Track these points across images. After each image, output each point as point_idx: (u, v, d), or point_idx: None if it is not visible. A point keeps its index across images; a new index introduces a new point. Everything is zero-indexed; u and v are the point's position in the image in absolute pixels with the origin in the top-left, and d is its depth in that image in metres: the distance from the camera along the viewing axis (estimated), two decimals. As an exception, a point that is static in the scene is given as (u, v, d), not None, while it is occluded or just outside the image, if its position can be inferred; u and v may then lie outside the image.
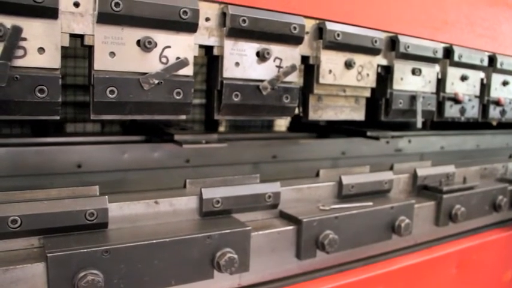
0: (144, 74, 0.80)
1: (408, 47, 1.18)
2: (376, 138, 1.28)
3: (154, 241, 0.78)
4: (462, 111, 1.37)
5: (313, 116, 1.10)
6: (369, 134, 1.23)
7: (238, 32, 0.90)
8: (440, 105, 1.34)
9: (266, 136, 1.20)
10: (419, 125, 1.21)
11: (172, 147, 0.91)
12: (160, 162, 0.88)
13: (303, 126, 1.64)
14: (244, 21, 0.88)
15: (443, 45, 1.29)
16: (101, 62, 0.77)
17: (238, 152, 0.98)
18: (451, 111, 1.36)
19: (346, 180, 1.11)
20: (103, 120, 2.20)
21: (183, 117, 0.87)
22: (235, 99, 0.92)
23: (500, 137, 2.05)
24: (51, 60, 0.73)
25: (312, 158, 1.11)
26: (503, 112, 1.53)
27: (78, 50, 2.03)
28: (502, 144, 2.07)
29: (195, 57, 0.87)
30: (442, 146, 1.83)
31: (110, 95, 0.77)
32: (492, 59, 1.45)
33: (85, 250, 0.71)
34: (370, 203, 1.09)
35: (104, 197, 0.79)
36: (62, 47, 0.74)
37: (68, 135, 1.23)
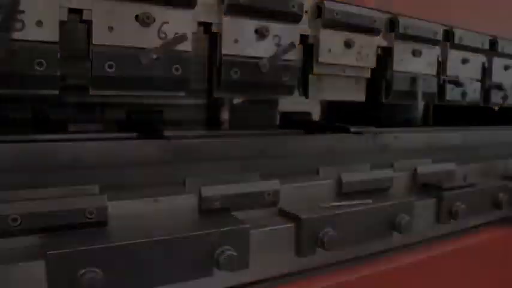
0: (143, 49, 0.80)
1: (408, 28, 1.17)
2: (360, 133, 1.29)
3: (154, 239, 0.78)
4: (463, 94, 1.36)
5: (313, 96, 1.10)
6: (352, 129, 1.25)
7: (237, 9, 0.90)
8: (441, 88, 1.33)
9: (253, 132, 1.21)
10: (420, 106, 1.21)
11: (162, 143, 0.93)
12: (150, 156, 0.90)
13: (291, 123, 1.63)
14: (242, -2, 0.89)
15: (443, 27, 1.28)
16: (100, 37, 0.78)
17: (226, 147, 1.00)
18: (452, 94, 1.35)
19: (346, 178, 1.11)
20: (105, 121, 2.21)
21: (182, 93, 0.87)
22: (234, 76, 0.92)
23: (487, 133, 2.03)
24: (50, 33, 0.73)
25: (299, 153, 1.12)
26: (504, 97, 1.52)
27: (79, 51, 2.04)
28: (490, 140, 2.04)
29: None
30: (427, 142, 1.81)
31: (109, 70, 0.78)
32: (493, 43, 1.44)
33: (85, 248, 0.72)
34: (370, 201, 1.09)
35: (103, 195, 0.80)
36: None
37: (66, 133, 1.25)
